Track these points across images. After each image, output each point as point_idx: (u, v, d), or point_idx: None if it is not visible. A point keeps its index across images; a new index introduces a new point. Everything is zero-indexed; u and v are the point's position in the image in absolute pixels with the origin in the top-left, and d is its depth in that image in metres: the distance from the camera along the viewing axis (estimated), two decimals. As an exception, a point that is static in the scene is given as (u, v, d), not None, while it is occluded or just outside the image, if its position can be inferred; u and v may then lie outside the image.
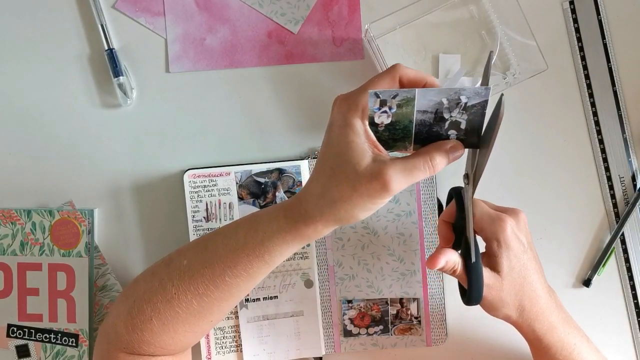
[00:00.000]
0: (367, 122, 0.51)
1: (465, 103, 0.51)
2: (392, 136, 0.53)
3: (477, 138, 0.54)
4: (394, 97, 0.50)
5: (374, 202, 0.51)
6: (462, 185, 0.60)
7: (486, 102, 0.51)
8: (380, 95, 0.50)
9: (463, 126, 0.53)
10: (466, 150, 0.56)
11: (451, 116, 0.52)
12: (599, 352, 0.65)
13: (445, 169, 0.74)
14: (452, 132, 0.53)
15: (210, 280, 0.56)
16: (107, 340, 0.60)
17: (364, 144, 0.50)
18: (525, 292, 0.60)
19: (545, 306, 0.62)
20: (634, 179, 0.75)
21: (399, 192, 0.51)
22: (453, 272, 0.60)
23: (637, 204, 0.74)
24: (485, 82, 0.56)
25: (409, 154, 0.53)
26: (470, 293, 0.59)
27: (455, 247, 0.63)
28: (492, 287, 0.59)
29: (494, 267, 0.60)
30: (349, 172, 0.50)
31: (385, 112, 0.51)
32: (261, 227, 0.55)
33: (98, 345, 0.62)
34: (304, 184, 0.73)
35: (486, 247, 0.61)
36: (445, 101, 0.51)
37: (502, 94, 0.51)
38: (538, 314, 0.61)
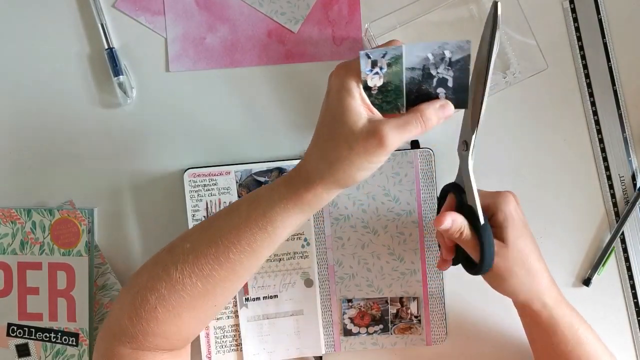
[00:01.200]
0: (362, 87, 0.53)
1: (450, 58, 0.53)
2: (385, 99, 0.55)
3: (465, 96, 0.56)
4: (383, 56, 0.52)
5: (370, 161, 0.53)
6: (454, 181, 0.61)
7: (469, 56, 0.53)
8: (370, 56, 0.52)
9: (450, 84, 0.55)
10: (461, 115, 0.59)
11: (438, 72, 0.54)
12: (595, 332, 0.65)
13: (445, 168, 0.74)
14: (441, 90, 0.55)
15: (214, 259, 0.56)
16: (110, 336, 0.60)
17: (360, 106, 0.52)
18: (531, 264, 0.61)
19: (550, 280, 0.63)
20: (634, 178, 0.75)
21: (394, 149, 0.53)
22: (460, 235, 0.60)
23: (637, 203, 0.74)
24: (487, 34, 0.56)
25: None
26: (482, 257, 0.59)
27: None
28: (500, 256, 0.60)
29: (500, 237, 0.61)
30: (346, 133, 0.52)
31: (377, 73, 0.53)
32: (263, 199, 0.56)
33: (100, 342, 0.61)
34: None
35: (490, 220, 0.62)
36: (430, 56, 0.53)
37: (495, 2, 0.54)
38: (546, 287, 0.62)
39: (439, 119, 0.55)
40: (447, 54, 0.53)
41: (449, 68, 0.54)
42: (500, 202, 0.61)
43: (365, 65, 0.53)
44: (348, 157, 0.52)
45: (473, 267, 0.62)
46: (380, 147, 0.51)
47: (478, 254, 0.60)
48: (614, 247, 0.74)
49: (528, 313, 0.64)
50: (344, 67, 0.54)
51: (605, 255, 0.74)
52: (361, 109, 0.52)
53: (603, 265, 0.74)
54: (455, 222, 0.60)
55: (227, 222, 0.57)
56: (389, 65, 0.53)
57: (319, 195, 0.55)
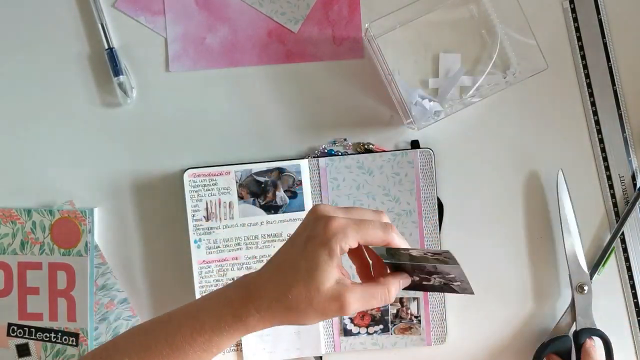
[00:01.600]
0: (343, 253, 0.53)
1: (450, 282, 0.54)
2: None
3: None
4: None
5: (326, 317, 0.53)
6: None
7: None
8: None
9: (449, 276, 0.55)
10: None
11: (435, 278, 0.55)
12: None
13: (447, 162, 0.74)
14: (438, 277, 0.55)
15: None
16: None
17: (334, 270, 0.52)
18: None
19: None
20: (634, 178, 0.75)
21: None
22: None
23: (637, 203, 0.74)
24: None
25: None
26: None
27: None
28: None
29: None
30: (311, 289, 0.51)
31: None
32: (208, 326, 0.55)
33: None
34: (303, 183, 0.73)
35: None
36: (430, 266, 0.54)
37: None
38: None
39: (400, 287, 0.55)
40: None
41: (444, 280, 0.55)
42: None
43: None
44: (306, 311, 0.52)
45: None
46: (340, 312, 0.52)
47: None
48: (614, 247, 0.74)
49: None
50: (338, 226, 0.52)
51: (605, 255, 0.74)
52: (334, 272, 0.52)
53: (603, 265, 0.74)
54: None
55: (169, 342, 0.55)
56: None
57: (266, 325, 0.55)
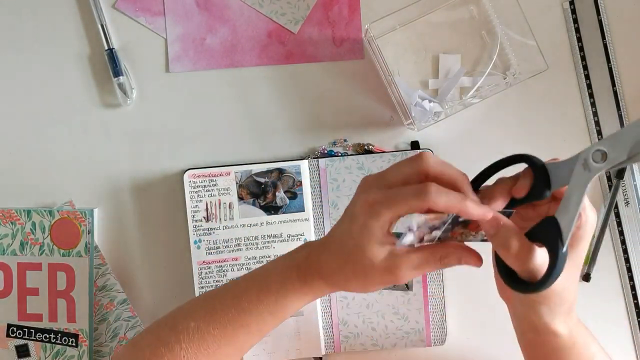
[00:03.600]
0: (386, 229, 0.51)
1: None
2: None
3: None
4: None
5: (383, 286, 0.54)
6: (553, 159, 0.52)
7: None
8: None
9: None
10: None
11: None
12: (603, 349, 0.61)
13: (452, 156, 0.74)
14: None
15: (221, 339, 0.56)
16: None
17: (382, 245, 0.51)
18: (573, 288, 0.55)
19: (575, 300, 0.56)
20: (633, 178, 0.75)
21: None
22: (507, 250, 0.51)
23: (620, 188, 0.74)
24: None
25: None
26: (546, 280, 0.49)
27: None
28: (565, 276, 0.51)
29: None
30: (365, 263, 0.52)
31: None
32: (274, 287, 0.56)
33: None
34: (303, 184, 0.73)
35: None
36: None
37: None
38: (571, 308, 0.56)
39: (459, 264, 0.52)
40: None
41: None
42: (589, 209, 0.52)
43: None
44: (364, 283, 0.53)
45: (517, 282, 0.52)
46: (395, 281, 0.52)
47: (526, 269, 0.50)
48: (603, 238, 0.74)
49: (542, 335, 0.57)
50: (372, 206, 0.50)
51: (598, 247, 0.74)
52: (381, 246, 0.51)
53: (591, 257, 0.74)
54: (506, 227, 0.50)
55: (235, 304, 0.57)
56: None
57: (331, 290, 0.56)
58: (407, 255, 0.51)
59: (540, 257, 0.50)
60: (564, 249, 0.50)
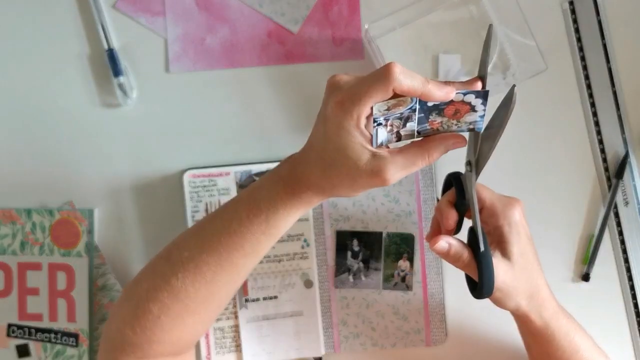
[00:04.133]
0: (362, 124, 0.51)
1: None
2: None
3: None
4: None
5: (373, 187, 0.53)
6: (462, 171, 0.59)
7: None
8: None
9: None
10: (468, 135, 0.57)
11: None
12: (591, 338, 0.65)
13: (444, 160, 0.74)
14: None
15: (217, 265, 0.56)
16: (113, 348, 0.59)
17: (362, 143, 0.51)
18: (533, 279, 0.60)
19: (549, 292, 0.62)
20: (633, 179, 0.75)
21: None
22: (457, 261, 0.58)
23: (619, 187, 0.74)
24: (485, 56, 0.54)
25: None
26: (482, 284, 0.57)
27: (455, 232, 0.61)
28: (505, 275, 0.58)
29: (504, 254, 0.59)
30: (350, 166, 0.51)
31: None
32: (263, 204, 0.55)
33: (103, 354, 0.61)
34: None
35: (494, 233, 0.60)
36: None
37: (514, 85, 0.51)
38: (544, 300, 0.61)
39: (447, 151, 0.54)
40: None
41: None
42: (507, 210, 0.59)
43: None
44: (351, 186, 0.52)
45: (474, 289, 0.59)
46: (384, 184, 0.51)
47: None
48: (601, 237, 0.74)
49: (525, 323, 0.63)
50: (342, 107, 0.50)
51: (597, 248, 0.74)
52: (363, 144, 0.50)
53: (588, 257, 0.75)
54: (452, 247, 0.57)
55: (226, 228, 0.56)
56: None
57: (321, 199, 0.55)
58: (391, 156, 0.51)
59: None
60: (482, 248, 0.56)
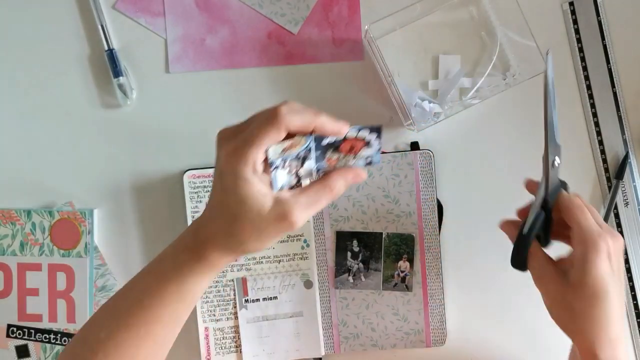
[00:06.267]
0: (260, 169, 0.50)
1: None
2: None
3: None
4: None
5: (281, 236, 0.52)
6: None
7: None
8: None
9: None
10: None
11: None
12: None
13: (447, 164, 0.74)
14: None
15: (137, 339, 0.54)
16: None
17: (262, 189, 0.49)
18: (601, 324, 0.56)
19: (615, 337, 0.57)
20: (633, 179, 0.75)
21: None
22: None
23: (619, 188, 0.74)
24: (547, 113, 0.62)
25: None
26: (512, 255, 0.61)
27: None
28: (556, 286, 0.58)
29: (566, 271, 0.58)
30: (254, 217, 0.50)
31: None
32: (171, 274, 0.53)
33: None
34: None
35: (572, 253, 0.59)
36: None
37: (548, 50, 0.56)
38: (609, 341, 0.57)
39: (348, 186, 0.53)
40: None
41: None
42: (589, 249, 0.56)
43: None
44: (259, 237, 0.50)
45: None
46: (291, 228, 0.50)
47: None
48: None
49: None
50: (235, 155, 0.49)
51: None
52: (264, 191, 0.49)
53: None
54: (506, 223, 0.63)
55: (139, 302, 0.54)
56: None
57: (230, 259, 0.54)
58: (294, 198, 0.50)
59: None
60: (525, 231, 0.60)
